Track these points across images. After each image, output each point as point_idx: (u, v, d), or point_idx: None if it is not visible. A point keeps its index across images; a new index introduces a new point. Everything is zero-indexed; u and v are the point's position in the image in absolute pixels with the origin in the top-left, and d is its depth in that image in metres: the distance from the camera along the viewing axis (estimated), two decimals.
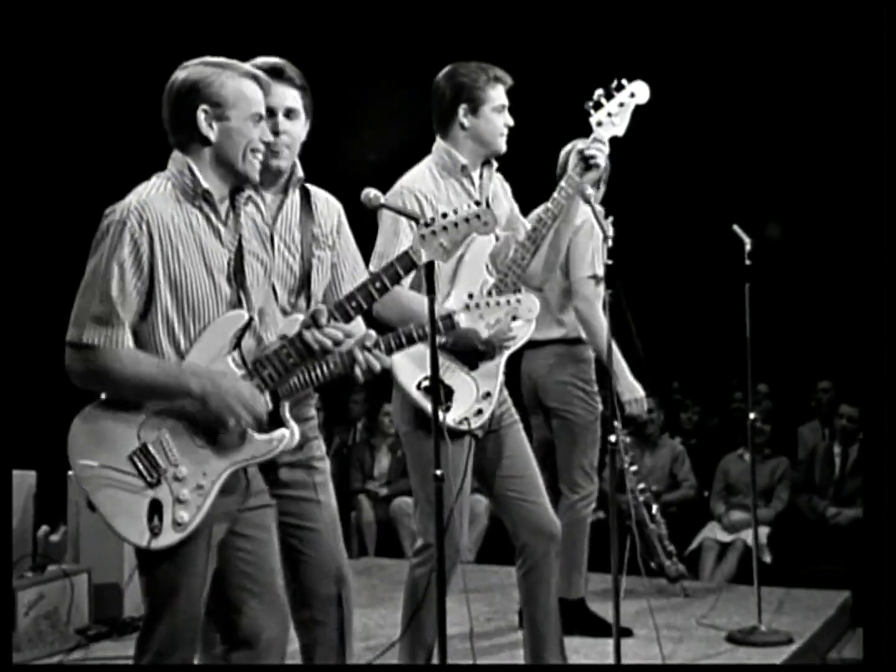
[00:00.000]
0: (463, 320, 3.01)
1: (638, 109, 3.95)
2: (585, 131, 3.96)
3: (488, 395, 3.82)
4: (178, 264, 2.81)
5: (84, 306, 2.79)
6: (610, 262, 3.82)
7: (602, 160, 3.86)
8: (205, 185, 2.85)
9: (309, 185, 3.35)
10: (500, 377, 3.88)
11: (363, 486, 8.30)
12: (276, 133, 3.17)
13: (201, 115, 2.85)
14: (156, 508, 2.79)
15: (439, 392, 3.09)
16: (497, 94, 3.83)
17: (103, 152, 8.11)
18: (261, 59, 3.17)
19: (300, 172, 3.33)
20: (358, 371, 2.95)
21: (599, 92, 3.96)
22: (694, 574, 6.97)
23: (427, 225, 2.92)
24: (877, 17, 3.75)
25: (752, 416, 5.24)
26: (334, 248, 3.28)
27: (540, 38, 8.50)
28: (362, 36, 8.58)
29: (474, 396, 3.81)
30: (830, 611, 5.50)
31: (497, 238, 3.86)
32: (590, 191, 3.93)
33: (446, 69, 3.89)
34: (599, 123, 3.94)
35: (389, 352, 3.02)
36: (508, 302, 3.00)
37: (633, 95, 3.95)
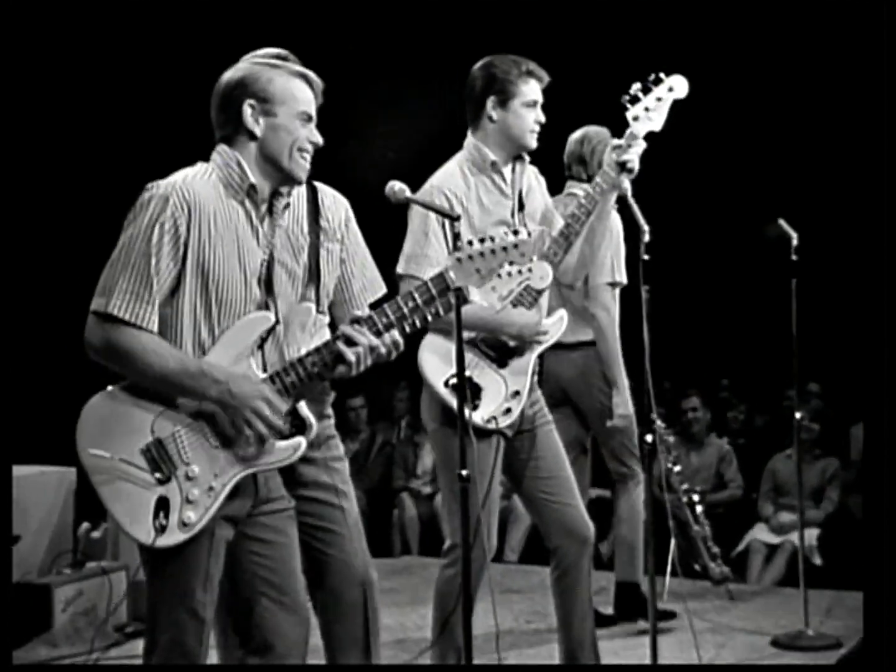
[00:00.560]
0: (475, 294, 2.94)
1: (681, 103, 3.87)
2: (621, 126, 3.90)
3: (517, 393, 3.76)
4: (212, 254, 2.76)
5: (114, 276, 2.71)
6: (646, 257, 3.75)
7: (636, 163, 3.79)
8: (252, 179, 2.81)
9: (315, 182, 3.31)
10: (531, 375, 3.82)
11: (406, 484, 8.26)
12: None
13: (248, 110, 2.81)
14: (162, 506, 2.74)
15: (465, 389, 3.01)
16: (529, 89, 3.75)
17: (116, 148, 8.14)
18: (264, 51, 3.11)
19: None
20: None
21: (637, 86, 3.88)
22: (741, 577, 6.86)
23: (460, 249, 2.86)
24: None
25: (797, 415, 5.13)
26: (343, 243, 3.25)
27: (575, 31, 8.43)
28: (384, 33, 8.52)
29: (503, 395, 3.75)
30: None
31: (530, 233, 3.78)
32: (626, 185, 3.84)
33: (483, 60, 3.83)
34: (636, 118, 3.86)
35: (403, 332, 2.93)
36: (520, 272, 2.92)
37: (671, 90, 3.88)
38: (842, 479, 7.43)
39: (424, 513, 8.03)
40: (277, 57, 2.97)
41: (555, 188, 4.52)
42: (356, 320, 2.83)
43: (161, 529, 2.73)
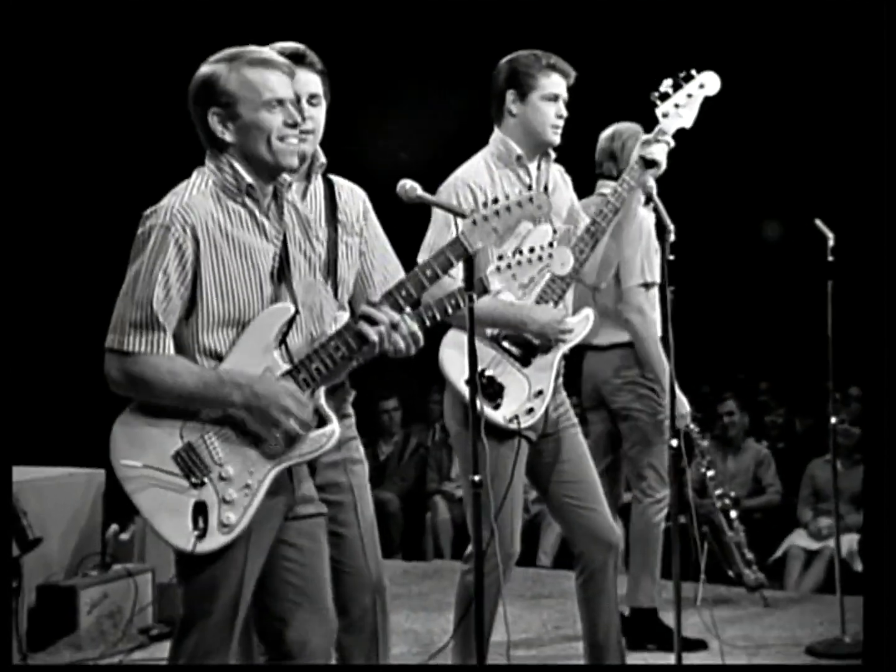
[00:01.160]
0: (495, 282, 2.87)
1: (718, 99, 3.80)
2: (652, 124, 3.83)
3: (540, 392, 3.69)
4: (223, 268, 2.72)
5: (125, 312, 2.70)
6: (672, 257, 3.67)
7: (662, 160, 3.72)
8: (248, 179, 2.76)
9: (332, 176, 3.27)
10: (555, 375, 3.75)
11: (439, 487, 8.20)
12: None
13: (213, 119, 2.75)
14: (200, 511, 2.69)
15: (477, 389, 2.95)
16: (550, 83, 3.69)
17: (132, 153, 8.11)
18: (280, 45, 3.09)
19: (322, 158, 3.26)
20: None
21: (668, 82, 3.82)
22: (779, 583, 6.74)
23: (475, 211, 2.81)
24: None
25: (833, 419, 5.06)
26: (362, 235, 3.19)
27: (605, 28, 8.35)
28: (403, 31, 8.45)
29: (526, 394, 3.68)
30: None
31: (555, 231, 3.72)
32: (651, 182, 3.77)
33: (509, 56, 3.79)
34: (665, 115, 3.81)
35: (423, 325, 2.88)
36: (540, 258, 2.84)
37: (702, 86, 3.82)
38: None
39: (457, 516, 7.93)
40: (295, 53, 2.91)
41: (585, 190, 4.45)
42: (374, 302, 2.78)
43: (201, 534, 2.68)
